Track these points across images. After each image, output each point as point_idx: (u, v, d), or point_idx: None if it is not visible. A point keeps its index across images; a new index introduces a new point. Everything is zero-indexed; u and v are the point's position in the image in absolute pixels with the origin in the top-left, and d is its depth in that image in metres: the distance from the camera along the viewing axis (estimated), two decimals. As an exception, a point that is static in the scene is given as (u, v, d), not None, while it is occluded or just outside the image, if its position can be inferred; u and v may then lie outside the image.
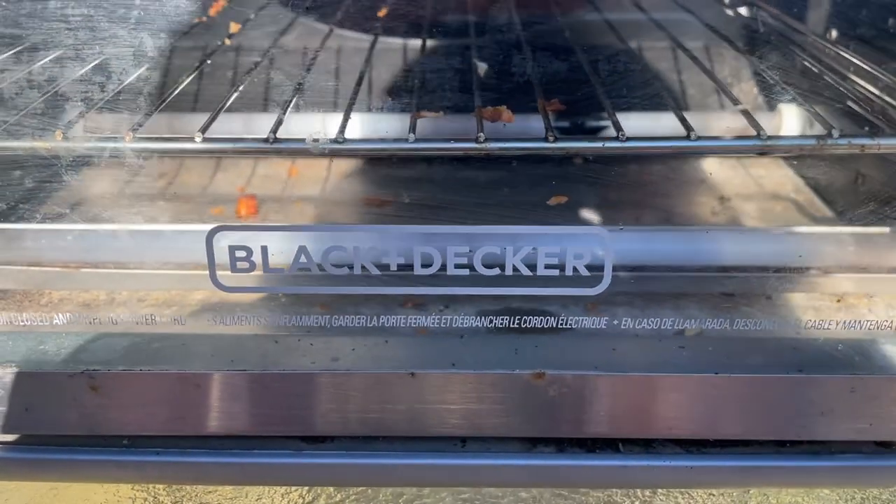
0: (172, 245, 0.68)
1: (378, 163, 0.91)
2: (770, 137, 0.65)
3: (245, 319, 0.65)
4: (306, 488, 0.79)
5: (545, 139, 0.65)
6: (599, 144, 0.64)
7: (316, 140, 0.61)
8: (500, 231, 0.58)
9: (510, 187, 0.85)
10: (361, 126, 0.87)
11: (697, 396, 0.62)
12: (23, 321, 0.65)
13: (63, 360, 0.61)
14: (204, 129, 0.64)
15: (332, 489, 0.79)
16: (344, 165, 0.92)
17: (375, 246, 0.58)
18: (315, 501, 0.79)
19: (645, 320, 0.65)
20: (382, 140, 0.64)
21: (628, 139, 0.63)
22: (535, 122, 0.72)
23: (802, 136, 0.73)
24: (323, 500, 0.79)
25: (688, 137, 0.64)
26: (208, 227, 0.61)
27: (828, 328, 0.65)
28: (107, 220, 0.72)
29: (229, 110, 0.81)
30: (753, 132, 0.66)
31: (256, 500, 0.80)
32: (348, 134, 0.65)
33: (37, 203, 0.73)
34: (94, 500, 0.79)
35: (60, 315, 0.65)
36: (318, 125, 0.68)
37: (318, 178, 0.91)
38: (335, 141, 0.62)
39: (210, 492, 0.78)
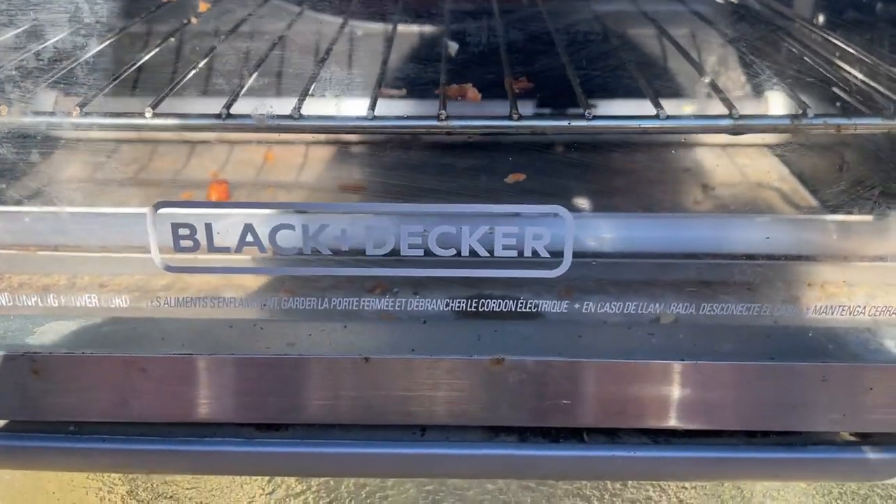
0: (125, 228, 0.66)
1: (356, 148, 0.89)
2: (742, 116, 0.62)
3: (200, 303, 0.63)
4: (266, 479, 0.77)
5: (509, 117, 0.63)
6: (565, 122, 0.62)
7: (262, 115, 0.58)
8: (455, 210, 0.56)
9: (488, 174, 0.83)
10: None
11: (665, 385, 0.60)
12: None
13: (6, 344, 0.59)
14: (155, 105, 0.62)
15: (293, 480, 0.77)
16: (321, 151, 0.90)
17: (325, 225, 0.56)
18: (275, 492, 0.77)
19: (615, 306, 0.63)
20: (333, 118, 0.62)
21: (595, 117, 0.61)
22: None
23: (775, 116, 0.70)
24: (283, 491, 0.77)
25: (657, 116, 0.62)
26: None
27: (805, 316, 0.63)
28: (70, 204, 0.70)
29: (207, 95, 0.80)
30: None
31: (215, 488, 0.78)
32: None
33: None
34: (47, 488, 0.77)
35: (6, 296, 0.63)
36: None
37: (295, 164, 0.89)
38: (288, 116, 0.60)
39: (166, 482, 0.76)
